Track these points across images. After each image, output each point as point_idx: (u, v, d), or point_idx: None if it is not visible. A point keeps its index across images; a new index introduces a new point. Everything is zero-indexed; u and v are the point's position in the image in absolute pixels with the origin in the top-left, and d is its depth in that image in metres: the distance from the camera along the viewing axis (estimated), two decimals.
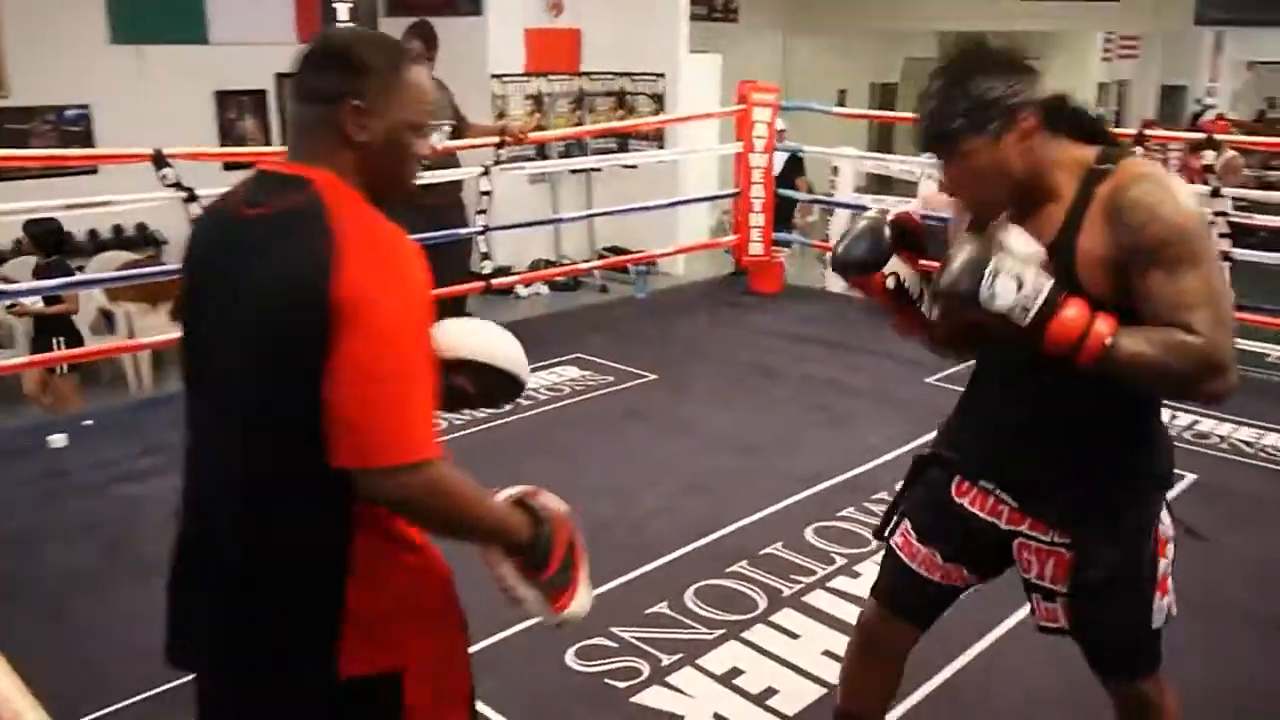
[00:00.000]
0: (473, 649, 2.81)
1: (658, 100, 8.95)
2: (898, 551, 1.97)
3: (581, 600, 1.56)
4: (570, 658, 2.79)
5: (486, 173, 5.45)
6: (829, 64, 12.65)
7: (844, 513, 3.64)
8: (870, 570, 3.26)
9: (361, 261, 1.30)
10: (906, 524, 1.96)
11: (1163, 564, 1.82)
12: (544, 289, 8.74)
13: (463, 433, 4.38)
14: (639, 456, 4.19)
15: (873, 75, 13.55)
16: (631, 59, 9.05)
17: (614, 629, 2.91)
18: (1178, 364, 1.54)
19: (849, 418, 4.62)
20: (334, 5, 5.01)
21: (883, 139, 12.90)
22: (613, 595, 3.10)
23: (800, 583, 3.18)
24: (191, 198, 4.48)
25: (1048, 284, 1.55)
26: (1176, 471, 1.85)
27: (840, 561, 3.32)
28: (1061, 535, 1.80)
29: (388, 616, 1.41)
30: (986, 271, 1.55)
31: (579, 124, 8.92)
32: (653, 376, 5.11)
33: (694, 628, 2.95)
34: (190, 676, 1.53)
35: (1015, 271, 1.55)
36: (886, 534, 2.01)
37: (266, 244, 1.35)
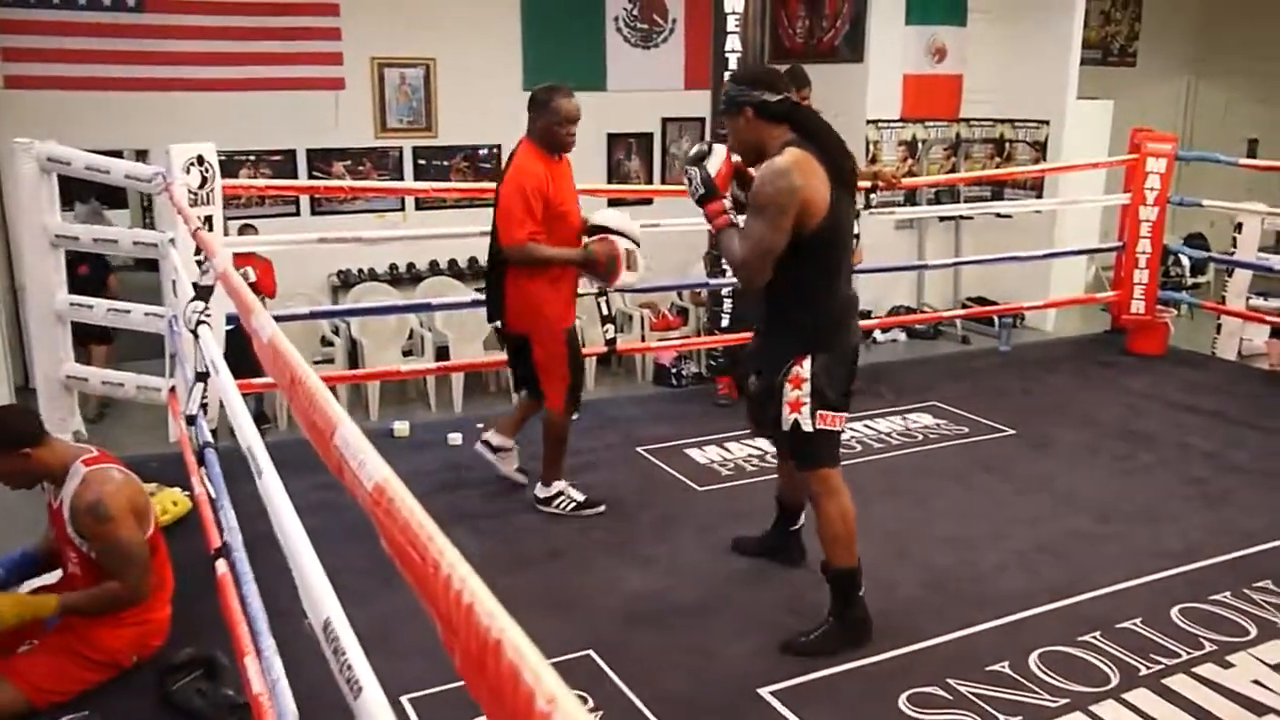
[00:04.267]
0: (811, 676, 2.90)
1: (1039, 148, 8.62)
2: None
3: (626, 278, 3.76)
4: (903, 702, 2.77)
5: (856, 216, 5.51)
6: (1239, 110, 11.53)
7: (1218, 596, 3.33)
8: (1244, 661, 2.99)
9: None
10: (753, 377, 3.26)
11: (793, 392, 2.97)
12: (902, 335, 8.65)
13: None
14: (988, 510, 4.06)
15: None
16: (1014, 105, 8.79)
17: (950, 680, 2.86)
18: (729, 254, 2.97)
19: (1227, 495, 4.22)
20: (726, 55, 5.32)
21: None
22: (949, 647, 3.05)
23: (1160, 663, 2.96)
24: None
25: (705, 188, 2.98)
26: None
27: (1209, 647, 3.05)
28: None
29: (523, 310, 3.70)
30: (689, 168, 3.03)
31: (953, 171, 8.78)
32: (1010, 431, 4.93)
33: (1036, 692, 2.83)
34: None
35: (693, 175, 3.01)
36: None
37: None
